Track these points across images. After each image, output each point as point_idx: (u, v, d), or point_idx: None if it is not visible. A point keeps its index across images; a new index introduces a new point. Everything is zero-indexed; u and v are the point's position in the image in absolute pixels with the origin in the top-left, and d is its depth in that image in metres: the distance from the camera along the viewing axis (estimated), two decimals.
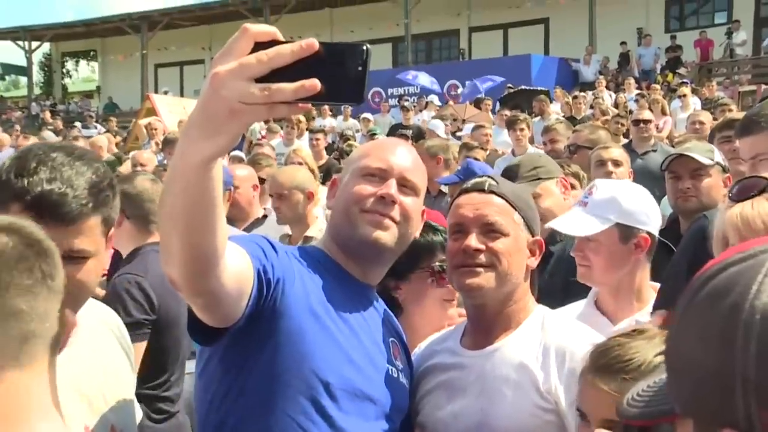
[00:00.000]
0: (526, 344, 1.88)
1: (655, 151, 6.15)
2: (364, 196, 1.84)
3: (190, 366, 2.74)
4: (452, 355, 1.96)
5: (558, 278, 3.11)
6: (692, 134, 6.34)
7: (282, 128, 11.99)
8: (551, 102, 13.39)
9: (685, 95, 13.19)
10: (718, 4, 23.93)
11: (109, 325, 1.87)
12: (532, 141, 8.06)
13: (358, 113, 16.02)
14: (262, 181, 5.11)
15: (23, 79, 38.53)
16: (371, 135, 11.01)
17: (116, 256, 3.39)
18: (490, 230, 1.89)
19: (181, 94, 25.83)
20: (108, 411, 1.70)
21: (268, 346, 1.66)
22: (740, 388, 0.81)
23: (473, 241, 1.87)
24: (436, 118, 13.07)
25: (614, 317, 2.50)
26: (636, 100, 13.78)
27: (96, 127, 20.09)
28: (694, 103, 13.27)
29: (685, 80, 16.41)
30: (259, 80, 1.07)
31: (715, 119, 6.96)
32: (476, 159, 5.72)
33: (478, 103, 15.69)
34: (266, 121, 12.48)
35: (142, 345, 3.03)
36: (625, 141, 7.17)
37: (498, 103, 15.83)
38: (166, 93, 21.45)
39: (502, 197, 1.93)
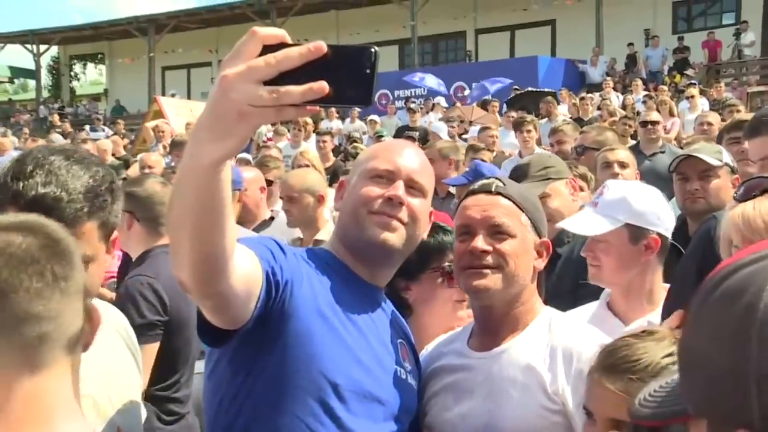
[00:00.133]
0: (534, 346, 1.88)
1: (663, 152, 6.14)
2: (371, 197, 1.84)
3: (200, 366, 2.74)
4: (459, 357, 1.96)
5: (565, 280, 3.11)
6: (700, 135, 6.31)
7: (289, 130, 12.03)
8: (558, 104, 13.36)
9: (693, 96, 13.12)
10: (726, 4, 23.81)
11: (116, 327, 1.87)
12: (539, 143, 8.06)
13: (364, 115, 16.02)
14: (269, 183, 5.12)
15: (32, 83, 38.67)
16: (378, 137, 11.00)
17: (126, 259, 3.40)
18: (497, 232, 1.89)
19: (188, 97, 25.88)
20: (114, 412, 1.70)
21: (277, 347, 1.66)
22: (755, 388, 0.81)
23: (480, 242, 1.87)
24: (443, 119, 13.07)
25: (626, 318, 2.49)
26: (644, 102, 13.76)
27: (104, 130, 20.17)
28: (702, 104, 13.21)
29: (693, 81, 16.32)
30: (268, 83, 1.08)
31: (723, 120, 6.93)
32: (483, 161, 5.71)
33: (485, 105, 15.68)
34: (273, 123, 12.50)
35: (155, 346, 3.04)
36: (632, 142, 7.15)
37: (505, 105, 15.81)
38: (173, 95, 21.46)
39: (509, 199, 1.92)
